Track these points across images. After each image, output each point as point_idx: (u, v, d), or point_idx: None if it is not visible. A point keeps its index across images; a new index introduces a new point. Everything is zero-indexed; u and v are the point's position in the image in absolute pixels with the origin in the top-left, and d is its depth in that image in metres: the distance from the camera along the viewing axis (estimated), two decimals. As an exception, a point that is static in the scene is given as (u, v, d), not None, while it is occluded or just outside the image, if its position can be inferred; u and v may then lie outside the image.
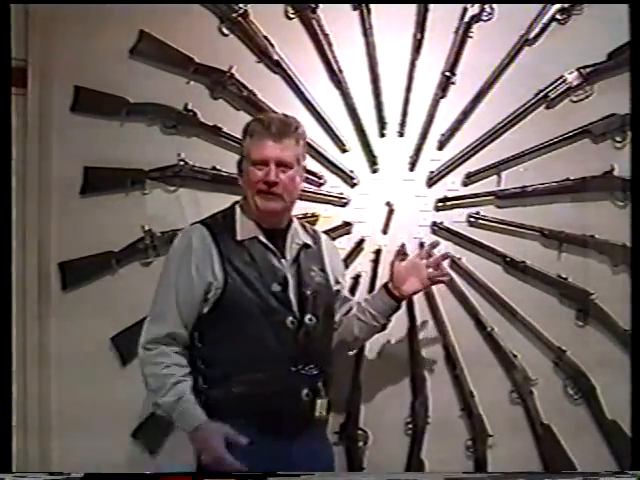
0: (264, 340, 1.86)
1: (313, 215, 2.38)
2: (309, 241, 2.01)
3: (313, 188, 2.39)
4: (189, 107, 2.39)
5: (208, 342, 1.89)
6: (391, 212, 2.41)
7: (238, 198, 2.02)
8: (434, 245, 2.17)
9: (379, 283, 2.36)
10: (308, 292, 1.94)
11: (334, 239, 2.37)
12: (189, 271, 1.88)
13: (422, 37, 2.38)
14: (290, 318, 1.88)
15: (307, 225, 2.11)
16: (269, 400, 1.83)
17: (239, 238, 1.91)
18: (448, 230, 2.40)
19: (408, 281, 2.10)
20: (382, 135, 2.42)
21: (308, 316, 1.91)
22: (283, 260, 1.93)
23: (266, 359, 1.85)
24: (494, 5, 2.39)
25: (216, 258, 1.88)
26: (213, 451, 1.82)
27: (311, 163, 2.31)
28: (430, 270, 2.11)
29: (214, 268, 1.87)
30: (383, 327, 2.13)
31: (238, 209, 1.98)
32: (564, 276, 2.38)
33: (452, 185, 2.42)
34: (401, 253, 2.35)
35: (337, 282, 2.08)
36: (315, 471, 1.90)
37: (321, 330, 1.94)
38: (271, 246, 1.93)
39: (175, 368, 1.87)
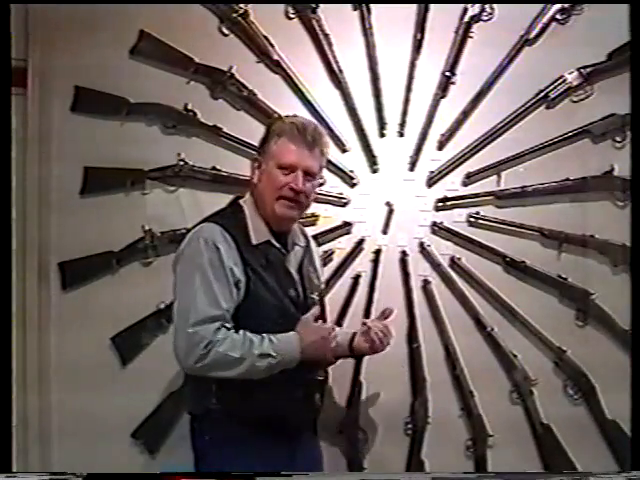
0: None
1: (313, 215, 2.38)
2: (304, 242, 2.00)
3: (313, 188, 2.40)
4: (189, 107, 2.39)
5: None
6: (391, 212, 2.41)
7: (238, 197, 2.01)
8: (387, 316, 2.04)
9: (379, 283, 2.38)
10: (314, 295, 1.93)
11: (334, 239, 2.40)
12: (222, 266, 1.77)
13: (422, 37, 2.38)
14: None
15: (299, 226, 2.05)
16: (286, 407, 1.81)
17: (254, 242, 1.84)
18: (448, 230, 2.40)
19: (363, 348, 2.01)
20: (382, 135, 2.42)
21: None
22: (290, 263, 1.91)
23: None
24: (494, 5, 2.39)
25: (239, 261, 1.79)
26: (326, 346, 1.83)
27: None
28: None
29: (237, 271, 1.79)
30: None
31: (247, 209, 1.89)
32: (564, 276, 2.38)
33: (452, 185, 2.42)
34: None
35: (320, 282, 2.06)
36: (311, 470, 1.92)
37: None
38: (283, 250, 1.89)
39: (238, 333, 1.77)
